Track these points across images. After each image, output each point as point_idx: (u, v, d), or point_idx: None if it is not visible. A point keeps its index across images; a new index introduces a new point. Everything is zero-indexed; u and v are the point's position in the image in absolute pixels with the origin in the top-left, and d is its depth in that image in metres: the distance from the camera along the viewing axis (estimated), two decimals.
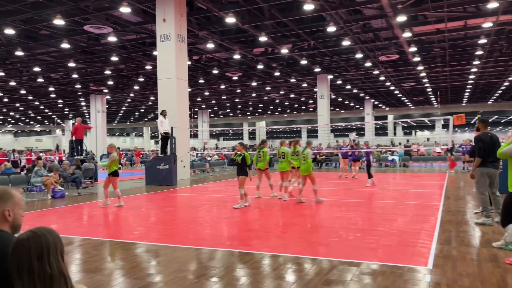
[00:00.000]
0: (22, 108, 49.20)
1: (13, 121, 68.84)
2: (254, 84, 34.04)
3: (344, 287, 4.08)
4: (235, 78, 31.34)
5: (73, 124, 25.33)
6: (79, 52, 22.78)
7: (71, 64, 24.82)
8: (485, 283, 4.10)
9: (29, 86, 33.13)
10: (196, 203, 10.79)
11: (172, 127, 15.95)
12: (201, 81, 31.68)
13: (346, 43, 20.79)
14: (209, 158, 25.76)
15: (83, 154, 17.27)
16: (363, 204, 10.23)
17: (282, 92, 40.33)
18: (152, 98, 40.65)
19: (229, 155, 21.86)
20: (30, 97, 39.22)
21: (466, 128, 66.59)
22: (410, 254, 5.23)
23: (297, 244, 5.93)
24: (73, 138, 17.26)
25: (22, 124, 73.84)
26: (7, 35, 18.87)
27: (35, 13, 16.15)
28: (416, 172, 20.66)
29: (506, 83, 35.49)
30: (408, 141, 36.16)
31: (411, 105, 52.98)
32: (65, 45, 20.02)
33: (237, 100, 45.51)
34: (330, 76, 31.77)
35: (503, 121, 66.89)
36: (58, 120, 65.19)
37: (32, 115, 57.71)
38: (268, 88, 37.39)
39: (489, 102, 50.30)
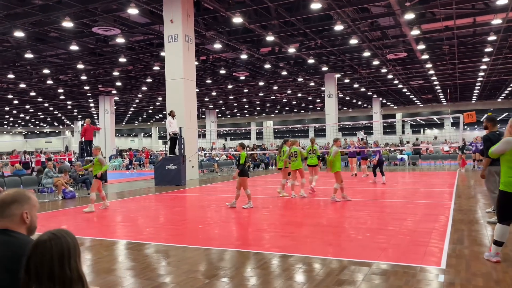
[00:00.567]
0: (32, 110, 49.72)
1: (23, 123, 69.59)
2: (261, 83, 34.03)
3: (356, 287, 4.06)
4: (242, 78, 31.36)
5: (82, 125, 25.56)
6: (88, 54, 22.95)
7: (80, 66, 25.03)
8: (500, 283, 4.05)
9: (39, 88, 33.47)
10: (205, 203, 10.82)
11: (180, 128, 16.00)
12: (209, 81, 31.74)
13: (353, 41, 20.70)
14: (217, 158, 25.81)
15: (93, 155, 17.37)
16: (373, 203, 10.17)
17: (289, 92, 40.26)
18: (160, 98, 40.83)
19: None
20: (39, 99, 39.62)
21: (476, 126, 65.98)
22: (422, 254, 5.19)
23: (307, 244, 5.91)
24: (83, 139, 17.40)
25: (32, 126, 74.61)
26: (16, 38, 19.06)
27: (44, 16, 16.31)
28: (426, 171, 20.50)
29: None
30: (417, 139, 35.83)
31: (419, 103, 52.59)
32: (73, 47, 20.18)
33: (244, 100, 45.53)
34: (338, 75, 31.65)
35: None
36: (67, 122, 65.78)
37: (41, 116, 58.29)
38: (275, 88, 37.35)
39: (499, 100, 49.76)
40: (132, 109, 51.52)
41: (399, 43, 22.31)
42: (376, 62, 26.03)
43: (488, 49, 23.16)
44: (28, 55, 21.77)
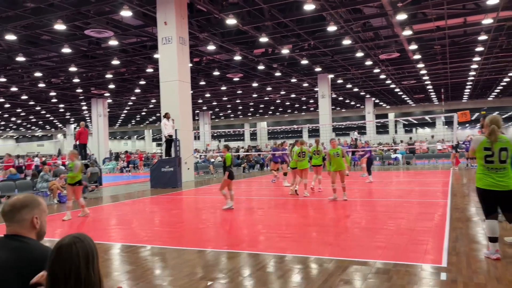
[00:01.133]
0: (24, 114, 49.24)
1: (14, 127, 68.88)
2: (255, 84, 34.04)
3: (358, 287, 4.07)
4: (236, 79, 31.35)
5: (75, 128, 25.33)
6: (80, 57, 22.80)
7: (72, 69, 24.85)
8: (502, 280, 4.09)
9: (30, 91, 33.17)
10: (201, 205, 10.80)
11: (176, 130, 15.95)
12: (202, 83, 31.68)
13: (346, 42, 20.79)
14: (212, 160, 25.76)
15: (87, 159, 17.26)
16: (369, 202, 10.22)
17: (283, 92, 40.32)
18: (153, 101, 40.66)
19: (234, 156, 21.94)
20: (31, 102, 39.24)
21: (467, 125, 66.52)
22: (422, 253, 5.22)
23: (307, 245, 5.92)
24: (77, 142, 17.25)
25: (23, 130, 73.89)
26: (8, 41, 18.89)
27: (36, 19, 16.17)
28: (420, 170, 20.64)
29: (507, 79, 35.44)
30: (411, 138, 36.09)
31: (411, 102, 52.93)
32: (66, 50, 20.05)
33: (238, 101, 45.51)
34: (331, 76, 31.77)
35: (504, 116, 66.72)
36: (60, 125, 65.22)
37: (33, 120, 57.74)
38: (269, 89, 37.39)
39: (489, 98, 50.24)
40: (125, 111, 51.24)
41: (391, 43, 22.45)
42: (368, 63, 26.17)
43: (479, 49, 23.38)
44: (20, 58, 21.57)
